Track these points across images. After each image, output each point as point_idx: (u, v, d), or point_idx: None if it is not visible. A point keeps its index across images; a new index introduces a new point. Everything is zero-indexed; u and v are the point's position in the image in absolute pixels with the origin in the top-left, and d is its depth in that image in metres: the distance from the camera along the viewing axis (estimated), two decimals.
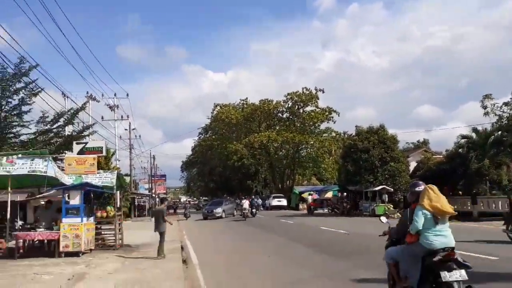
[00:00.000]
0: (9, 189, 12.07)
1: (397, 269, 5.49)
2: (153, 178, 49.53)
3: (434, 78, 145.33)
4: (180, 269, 10.15)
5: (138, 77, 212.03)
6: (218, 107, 54.81)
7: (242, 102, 54.50)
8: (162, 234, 12.43)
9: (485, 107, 28.39)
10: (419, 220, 5.09)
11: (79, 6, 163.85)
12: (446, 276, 4.74)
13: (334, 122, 49.54)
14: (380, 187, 31.19)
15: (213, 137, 60.68)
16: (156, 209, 16.29)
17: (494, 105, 28.10)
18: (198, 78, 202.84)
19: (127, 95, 41.56)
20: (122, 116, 40.96)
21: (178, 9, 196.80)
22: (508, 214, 10.75)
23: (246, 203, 33.51)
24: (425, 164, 35.77)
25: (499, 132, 30.50)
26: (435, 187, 5.38)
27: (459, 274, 4.75)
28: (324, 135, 51.41)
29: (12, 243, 12.41)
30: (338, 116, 48.71)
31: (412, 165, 39.34)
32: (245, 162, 58.64)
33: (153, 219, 13.62)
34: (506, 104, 27.63)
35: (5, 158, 11.99)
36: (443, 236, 5.02)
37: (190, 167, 79.05)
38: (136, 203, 46.32)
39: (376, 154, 32.92)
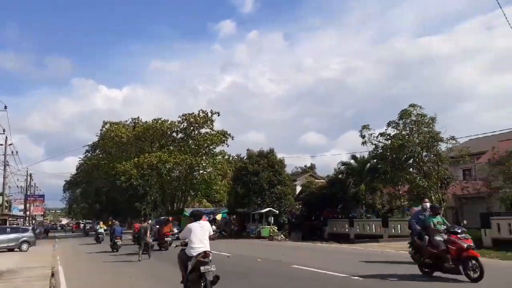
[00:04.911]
0: None
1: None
2: (29, 198, 45.28)
3: (324, 108, 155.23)
4: None
5: (21, 89, 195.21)
6: (108, 125, 52.41)
7: (134, 120, 52.79)
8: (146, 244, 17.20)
9: (363, 137, 30.83)
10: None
11: None
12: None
13: (228, 146, 50.12)
14: (267, 209, 32.05)
15: (101, 155, 57.61)
16: (141, 226, 19.34)
17: (371, 135, 30.65)
18: (90, 93, 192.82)
19: (5, 107, 37.65)
20: None
21: (69, 19, 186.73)
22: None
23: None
24: (307, 188, 37.68)
25: (375, 160, 33.26)
26: None
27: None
28: (218, 157, 51.62)
29: None
30: (232, 139, 49.32)
31: (298, 188, 41.21)
32: (134, 183, 56.30)
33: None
34: (381, 134, 30.27)
35: None
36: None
37: (74, 187, 73.90)
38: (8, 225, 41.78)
39: (265, 177, 33.86)
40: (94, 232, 35.76)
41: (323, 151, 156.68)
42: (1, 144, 38.63)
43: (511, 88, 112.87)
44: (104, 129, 53.11)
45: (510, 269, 12.71)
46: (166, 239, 22.21)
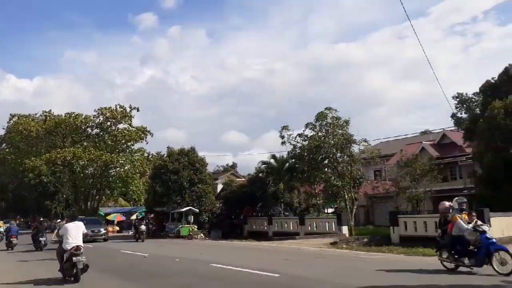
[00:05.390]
0: None
1: None
2: None
3: (247, 107, 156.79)
4: None
5: None
6: (16, 118, 48.67)
7: (45, 113, 49.50)
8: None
9: (282, 137, 31.68)
10: None
11: None
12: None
13: (147, 143, 48.75)
14: (187, 208, 31.72)
15: (7, 150, 53.34)
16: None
17: (290, 135, 31.59)
18: None
19: None
20: None
21: None
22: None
23: None
24: (228, 186, 37.91)
25: (293, 160, 34.32)
26: None
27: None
28: (136, 155, 50.00)
29: None
30: (152, 136, 48.00)
31: (220, 187, 41.29)
32: (44, 179, 52.90)
33: None
34: (299, 135, 31.31)
35: None
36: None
37: None
38: None
39: (186, 176, 33.46)
40: None
41: (244, 150, 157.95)
42: None
43: (419, 95, 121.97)
44: (11, 122, 49.23)
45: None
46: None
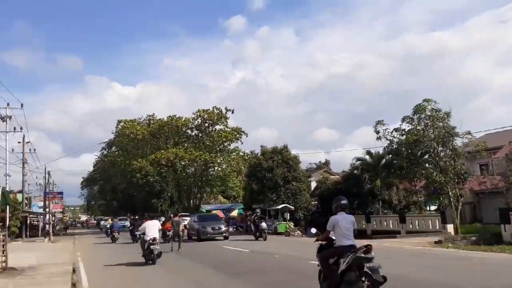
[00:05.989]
0: None
1: None
2: (48, 195, 46.07)
3: (336, 103, 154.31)
4: None
5: (34, 86, 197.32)
6: (123, 122, 52.88)
7: (149, 117, 53.20)
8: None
9: (377, 132, 30.66)
10: None
11: None
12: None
13: (242, 143, 50.27)
14: (282, 205, 32.12)
15: (117, 152, 58.25)
16: (173, 219, 23.48)
17: (386, 130, 30.48)
18: (103, 91, 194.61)
19: (22, 105, 38.28)
20: (15, 128, 37.78)
21: (80, 16, 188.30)
22: None
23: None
24: (322, 184, 37.62)
25: (390, 156, 33.08)
26: None
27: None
28: (232, 154, 51.76)
29: None
30: (246, 137, 49.40)
31: (313, 184, 41.17)
32: (150, 179, 56.98)
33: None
34: (396, 130, 30.09)
35: None
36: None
37: (92, 184, 74.98)
38: (28, 222, 42.69)
39: (280, 173, 33.93)
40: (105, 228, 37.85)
41: (336, 146, 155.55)
42: (19, 142, 39.32)
43: None
44: (119, 126, 53.60)
45: None
46: (167, 233, 25.19)
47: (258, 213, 27.03)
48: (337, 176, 42.64)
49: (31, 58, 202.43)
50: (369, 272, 6.50)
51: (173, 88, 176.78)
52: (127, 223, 44.00)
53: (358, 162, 36.24)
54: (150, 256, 14.82)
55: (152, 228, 15.48)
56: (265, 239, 24.98)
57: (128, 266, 14.95)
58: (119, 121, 53.62)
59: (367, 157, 35.83)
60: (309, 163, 76.92)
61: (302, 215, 34.26)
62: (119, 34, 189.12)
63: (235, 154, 52.04)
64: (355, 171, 36.16)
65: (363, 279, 6.60)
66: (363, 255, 6.71)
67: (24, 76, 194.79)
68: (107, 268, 14.72)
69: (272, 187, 33.82)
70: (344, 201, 7.56)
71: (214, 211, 45.24)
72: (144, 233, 15.48)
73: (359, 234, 30.69)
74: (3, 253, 13.82)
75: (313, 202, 36.66)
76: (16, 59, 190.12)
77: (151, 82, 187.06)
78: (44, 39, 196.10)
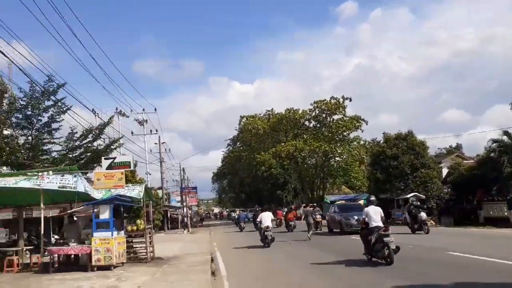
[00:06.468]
0: (42, 204, 12.41)
1: None
2: (184, 190, 50.14)
3: (462, 82, 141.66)
4: (208, 281, 10.21)
5: (164, 92, 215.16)
6: (245, 119, 55.10)
7: (268, 112, 54.62)
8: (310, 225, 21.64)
9: None
10: None
11: (94, 25, 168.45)
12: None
13: (362, 131, 49.04)
14: (412, 194, 30.53)
15: (241, 148, 60.97)
16: (304, 209, 24.55)
17: None
18: (225, 90, 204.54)
19: (155, 109, 42.29)
20: (151, 131, 41.88)
21: (196, 25, 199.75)
22: None
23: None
24: (455, 170, 34.89)
25: None
26: None
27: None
28: (352, 144, 50.81)
29: (46, 258, 12.78)
30: (366, 124, 48.02)
31: (445, 171, 38.44)
32: (274, 172, 58.62)
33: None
34: None
35: (37, 174, 12.37)
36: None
37: (221, 179, 79.62)
38: (169, 216, 46.98)
39: (406, 161, 32.37)
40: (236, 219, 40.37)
41: (467, 129, 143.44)
42: (156, 143, 43.36)
43: None
44: (242, 123, 55.97)
45: None
46: (290, 223, 27.30)
47: (415, 202, 23.28)
48: (471, 161, 39.17)
49: (159, 66, 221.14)
50: (388, 244, 10.65)
51: (288, 81, 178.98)
52: (250, 214, 46.10)
53: (494, 144, 32.77)
54: (265, 241, 17.84)
55: (266, 218, 18.37)
56: (427, 232, 20.73)
57: (250, 248, 18.08)
58: (242, 117, 56.03)
59: (504, 137, 32.21)
60: (438, 148, 72.03)
61: (434, 203, 32.24)
62: (234, 34, 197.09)
63: (355, 143, 51.06)
64: (492, 154, 32.79)
65: (385, 248, 10.71)
66: (383, 232, 10.83)
67: (155, 83, 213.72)
68: (237, 252, 17.11)
69: (398, 176, 32.40)
70: (372, 198, 12.30)
71: (338, 202, 44.75)
72: (260, 222, 18.54)
73: (501, 222, 27.96)
74: (150, 244, 15.33)
75: (445, 190, 34.28)
76: (146, 68, 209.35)
77: (267, 78, 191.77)
78: (168, 48, 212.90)
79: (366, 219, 11.54)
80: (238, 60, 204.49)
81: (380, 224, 11.23)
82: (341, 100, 48.11)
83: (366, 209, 11.81)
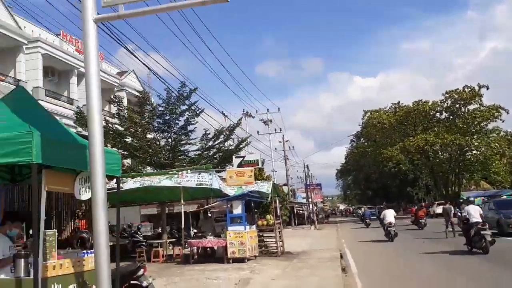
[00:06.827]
0: (182, 200, 13.67)
1: None
2: (308, 187, 50.57)
3: None
4: (339, 277, 10.20)
5: (286, 92, 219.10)
6: (369, 113, 53.45)
7: (394, 105, 52.19)
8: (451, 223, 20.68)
9: None
10: None
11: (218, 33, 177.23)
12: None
13: (503, 121, 44.32)
14: None
15: (366, 143, 59.28)
16: (444, 207, 23.31)
17: None
18: (346, 85, 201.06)
19: (279, 109, 43.75)
20: (275, 130, 43.24)
21: (312, 22, 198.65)
22: None
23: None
24: None
25: None
26: None
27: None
28: (491, 135, 46.24)
29: (187, 250, 14.03)
30: (507, 114, 43.19)
31: None
32: (402, 168, 55.94)
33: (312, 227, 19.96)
34: None
35: (177, 173, 13.65)
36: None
37: (345, 175, 78.46)
38: (295, 212, 47.89)
39: None
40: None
41: None
42: (280, 141, 44.60)
43: None
44: (365, 117, 54.42)
45: None
46: (420, 220, 27.14)
47: None
48: None
49: (279, 67, 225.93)
50: (484, 236, 12.35)
51: (415, 72, 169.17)
52: (374, 211, 46.71)
53: None
54: (389, 236, 19.21)
55: (388, 215, 19.79)
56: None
57: (375, 242, 19.50)
58: (365, 112, 54.49)
59: None
60: None
61: None
62: (352, 28, 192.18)
63: (495, 134, 46.44)
64: None
65: (482, 240, 12.41)
66: (480, 226, 12.59)
67: (276, 84, 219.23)
68: (363, 246, 18.11)
69: None
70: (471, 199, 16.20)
71: (478, 199, 41.15)
72: (384, 218, 20.13)
73: None
74: (280, 238, 15.83)
75: None
76: (267, 70, 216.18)
77: (391, 70, 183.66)
78: (286, 49, 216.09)
79: (467, 216, 13.58)
80: (359, 54, 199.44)
81: (479, 220, 13.12)
82: (476, 88, 44.17)
83: (466, 207, 14.22)
